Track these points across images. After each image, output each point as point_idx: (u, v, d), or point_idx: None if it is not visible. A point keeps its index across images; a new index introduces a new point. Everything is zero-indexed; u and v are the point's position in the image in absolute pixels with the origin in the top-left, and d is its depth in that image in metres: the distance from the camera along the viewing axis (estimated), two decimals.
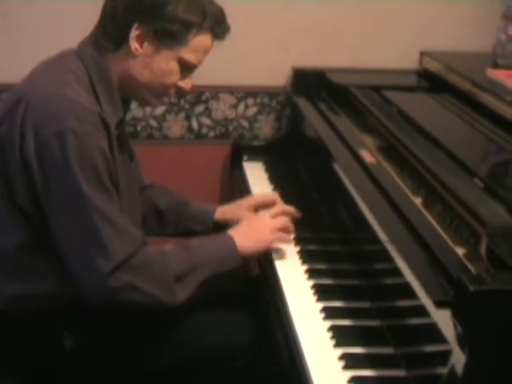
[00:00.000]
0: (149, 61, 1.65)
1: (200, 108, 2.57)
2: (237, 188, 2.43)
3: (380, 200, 1.65)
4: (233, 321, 1.84)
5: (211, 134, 2.61)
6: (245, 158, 2.50)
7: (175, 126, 2.58)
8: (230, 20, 2.48)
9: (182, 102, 2.56)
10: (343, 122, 2.15)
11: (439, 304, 1.25)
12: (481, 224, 1.40)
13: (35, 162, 1.53)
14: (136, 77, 1.66)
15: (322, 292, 1.69)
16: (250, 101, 2.59)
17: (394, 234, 1.53)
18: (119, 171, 1.66)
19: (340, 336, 1.53)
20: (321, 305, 1.65)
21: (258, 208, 2.01)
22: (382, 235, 1.61)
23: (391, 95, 2.19)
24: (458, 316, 1.21)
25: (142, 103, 1.79)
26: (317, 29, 2.53)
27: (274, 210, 1.92)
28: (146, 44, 1.63)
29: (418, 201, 1.65)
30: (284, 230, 1.86)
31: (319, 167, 2.21)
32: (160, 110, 2.56)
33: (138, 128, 2.56)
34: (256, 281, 1.96)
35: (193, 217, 2.00)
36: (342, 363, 1.46)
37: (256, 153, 2.50)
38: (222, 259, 1.73)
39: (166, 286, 1.62)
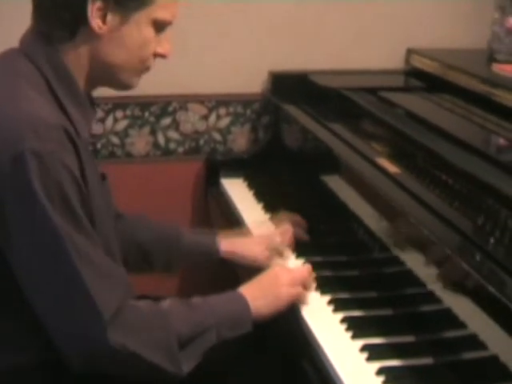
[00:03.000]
0: (118, 36, 1.35)
1: (166, 120, 2.30)
2: (216, 209, 2.16)
3: (423, 212, 1.41)
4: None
5: (180, 149, 2.33)
6: (221, 174, 2.23)
7: (139, 142, 2.30)
8: (198, 22, 2.24)
9: (147, 114, 2.28)
10: (342, 128, 1.90)
11: None
12: None
13: None
14: (108, 60, 1.37)
15: (355, 327, 1.43)
16: (222, 110, 2.32)
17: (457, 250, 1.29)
18: (92, 195, 1.35)
19: (394, 380, 1.28)
20: (359, 343, 1.38)
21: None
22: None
23: (391, 96, 1.97)
24: None
25: (123, 87, 1.45)
26: (293, 30, 2.31)
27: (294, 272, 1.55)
28: (109, 17, 1.33)
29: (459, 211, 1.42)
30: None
31: (311, 180, 1.98)
32: (121, 124, 2.27)
33: (98, 146, 2.26)
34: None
35: (188, 252, 1.69)
36: None
37: (234, 168, 2.23)
38: (233, 323, 1.41)
39: (169, 352, 1.31)
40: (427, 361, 1.34)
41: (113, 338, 1.25)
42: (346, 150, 1.74)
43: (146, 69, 1.45)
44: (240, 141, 2.35)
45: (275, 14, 2.26)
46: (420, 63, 2.24)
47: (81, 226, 1.26)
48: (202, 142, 2.33)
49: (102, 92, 2.07)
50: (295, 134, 2.20)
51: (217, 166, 2.25)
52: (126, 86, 1.46)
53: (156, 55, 1.43)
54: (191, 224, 2.31)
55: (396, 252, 1.57)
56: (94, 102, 1.48)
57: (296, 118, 2.05)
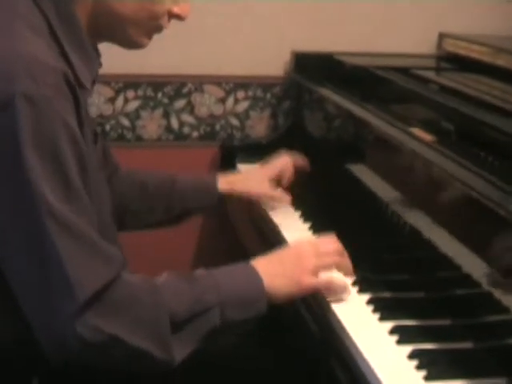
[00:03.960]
0: None
1: (181, 103, 2.15)
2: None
3: (469, 175, 1.24)
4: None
5: (194, 134, 2.18)
6: (238, 159, 2.08)
7: (151, 125, 2.15)
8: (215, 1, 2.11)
9: (160, 95, 2.13)
10: (373, 106, 1.74)
11: None
12: None
13: None
14: (115, 10, 1.21)
15: (383, 308, 1.26)
16: (241, 94, 2.17)
17: None
18: (88, 155, 1.18)
19: (429, 365, 1.10)
20: (388, 325, 1.22)
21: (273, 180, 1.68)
22: None
23: (424, 74, 1.82)
24: None
25: (130, 44, 1.28)
26: (316, 10, 2.15)
27: (320, 242, 1.34)
28: None
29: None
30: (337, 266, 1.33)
31: (335, 167, 1.84)
32: (132, 105, 2.13)
33: (107, 127, 2.11)
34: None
35: (186, 193, 1.59)
36: None
37: (251, 153, 2.07)
38: (242, 301, 1.19)
39: (159, 336, 1.11)
40: (466, 345, 1.17)
41: (86, 322, 1.06)
42: (382, 124, 1.57)
43: (158, 28, 1.29)
44: (259, 127, 2.20)
45: None
46: (455, 47, 2.08)
47: (70, 190, 1.08)
48: (218, 126, 2.18)
49: (112, 69, 1.94)
50: (318, 121, 2.05)
51: (233, 153, 2.10)
52: (134, 44, 1.30)
53: (171, 15, 1.28)
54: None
55: (428, 235, 1.41)
56: (99, 55, 1.33)
57: (323, 96, 1.89)
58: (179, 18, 1.28)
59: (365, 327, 1.22)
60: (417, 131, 1.47)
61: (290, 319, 1.39)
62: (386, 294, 1.31)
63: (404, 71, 1.87)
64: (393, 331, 1.19)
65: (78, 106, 1.14)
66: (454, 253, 1.30)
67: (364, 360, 1.13)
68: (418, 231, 1.45)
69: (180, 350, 1.13)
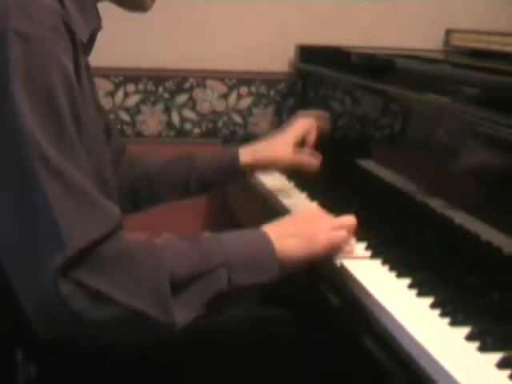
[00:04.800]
0: None
1: (182, 98, 2.10)
2: (236, 193, 1.94)
3: None
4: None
5: (196, 130, 2.13)
6: None
7: (151, 121, 2.09)
8: None
9: (160, 89, 2.07)
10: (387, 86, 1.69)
11: None
12: None
13: None
14: None
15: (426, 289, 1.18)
16: (244, 90, 2.13)
17: None
18: (85, 109, 1.08)
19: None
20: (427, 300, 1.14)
21: (299, 143, 1.59)
22: None
23: (435, 56, 1.78)
24: None
25: (133, 5, 1.19)
26: (321, 6, 2.13)
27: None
28: None
29: None
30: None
31: (343, 163, 1.79)
32: (132, 100, 2.06)
33: None
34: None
35: (206, 167, 1.51)
36: None
37: None
38: (251, 263, 1.09)
39: (157, 296, 1.00)
40: None
41: (72, 278, 0.94)
42: (398, 91, 1.53)
43: None
44: (262, 124, 2.15)
45: None
46: (463, 40, 2.05)
47: (63, 137, 0.98)
48: (220, 123, 2.12)
49: (111, 62, 1.88)
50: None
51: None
52: (139, 4, 1.22)
53: None
54: (207, 211, 2.09)
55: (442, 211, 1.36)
56: (99, 17, 1.24)
57: (332, 79, 1.83)
58: None
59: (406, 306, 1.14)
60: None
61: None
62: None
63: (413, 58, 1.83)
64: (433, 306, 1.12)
65: (76, 50, 1.05)
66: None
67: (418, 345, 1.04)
68: (433, 209, 1.39)
69: (182, 314, 1.02)
